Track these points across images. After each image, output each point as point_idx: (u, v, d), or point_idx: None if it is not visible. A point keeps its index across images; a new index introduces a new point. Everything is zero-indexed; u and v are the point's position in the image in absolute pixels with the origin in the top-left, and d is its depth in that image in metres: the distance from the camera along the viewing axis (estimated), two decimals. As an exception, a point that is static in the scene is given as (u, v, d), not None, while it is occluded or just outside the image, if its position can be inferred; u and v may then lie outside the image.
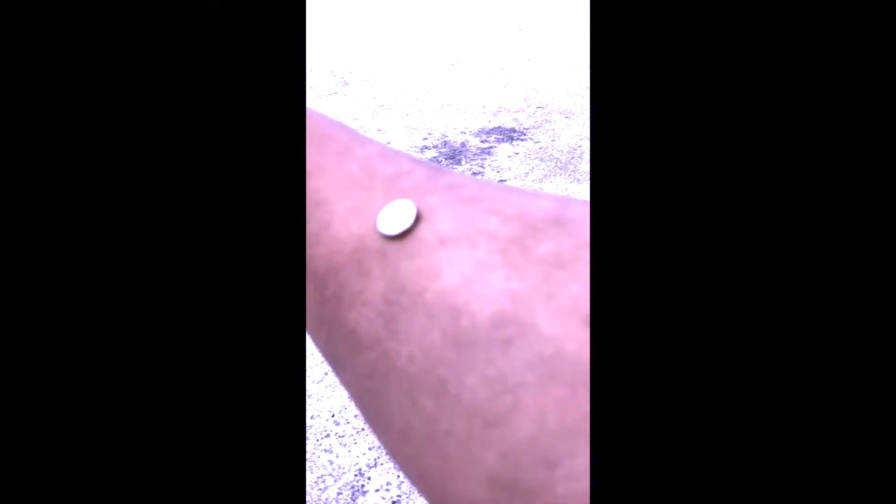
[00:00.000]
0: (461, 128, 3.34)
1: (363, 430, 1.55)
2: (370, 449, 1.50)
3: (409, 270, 0.15)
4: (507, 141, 3.06)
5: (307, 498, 1.36)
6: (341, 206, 0.17)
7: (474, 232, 0.15)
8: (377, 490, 1.41)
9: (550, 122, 3.29)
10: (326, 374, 1.73)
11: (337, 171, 0.18)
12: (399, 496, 1.40)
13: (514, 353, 0.13)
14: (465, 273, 0.14)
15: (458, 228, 0.15)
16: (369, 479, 1.44)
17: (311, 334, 0.19)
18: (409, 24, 7.85)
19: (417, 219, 0.15)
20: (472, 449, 0.13)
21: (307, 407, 1.59)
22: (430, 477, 0.14)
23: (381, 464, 1.46)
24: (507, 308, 0.13)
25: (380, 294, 0.15)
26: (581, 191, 2.41)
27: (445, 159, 2.89)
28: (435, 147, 3.07)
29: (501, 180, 2.64)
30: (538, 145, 2.94)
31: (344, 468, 1.45)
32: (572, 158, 2.74)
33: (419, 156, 2.90)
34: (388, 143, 3.15)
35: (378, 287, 0.15)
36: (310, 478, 1.41)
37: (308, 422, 1.58)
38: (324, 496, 1.38)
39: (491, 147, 3.00)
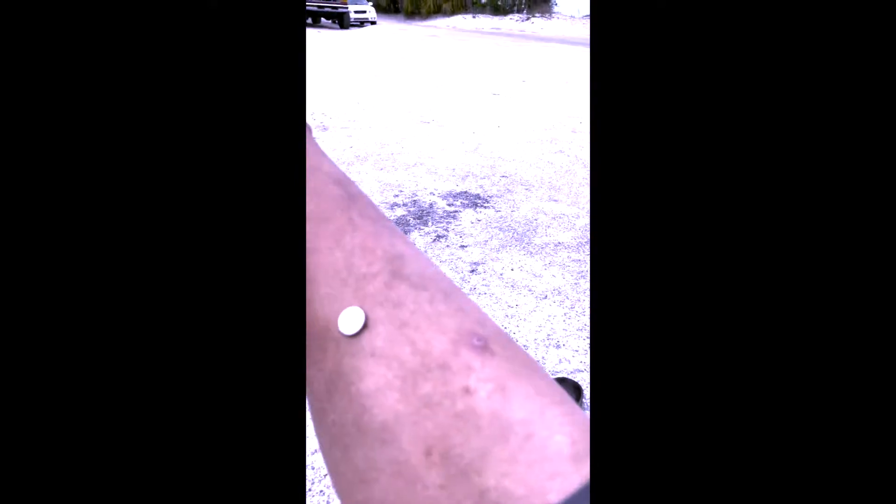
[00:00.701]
0: (431, 188, 3.60)
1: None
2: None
3: (348, 364, 0.20)
4: (471, 207, 3.32)
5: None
6: (323, 290, 0.22)
7: (392, 355, 0.20)
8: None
9: (512, 192, 3.59)
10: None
11: (327, 258, 0.22)
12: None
13: (382, 453, 0.19)
14: (377, 385, 0.19)
15: (385, 348, 0.20)
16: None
17: None
18: (391, 80, 8.08)
19: (364, 327, 0.21)
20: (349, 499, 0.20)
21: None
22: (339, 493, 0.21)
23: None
24: (390, 422, 0.19)
25: (329, 370, 0.21)
26: (533, 263, 2.66)
27: (414, 219, 3.12)
28: (405, 206, 3.31)
29: (463, 245, 2.85)
30: (499, 214, 3.21)
31: None
32: (528, 231, 3.01)
33: (389, 213, 3.13)
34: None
35: (329, 364, 0.21)
36: None
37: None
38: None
39: (456, 211, 3.25)
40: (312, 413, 0.22)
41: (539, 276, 2.52)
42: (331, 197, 0.24)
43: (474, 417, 0.19)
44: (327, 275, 0.22)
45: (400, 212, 3.20)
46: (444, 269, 2.52)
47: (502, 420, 0.18)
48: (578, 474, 0.17)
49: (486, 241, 2.86)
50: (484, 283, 2.44)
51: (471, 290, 2.38)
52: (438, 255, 2.66)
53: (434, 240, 2.85)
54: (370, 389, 0.20)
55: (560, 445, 0.18)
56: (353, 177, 3.73)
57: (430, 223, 3.05)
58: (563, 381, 1.40)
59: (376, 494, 0.19)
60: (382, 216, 0.25)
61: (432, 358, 0.20)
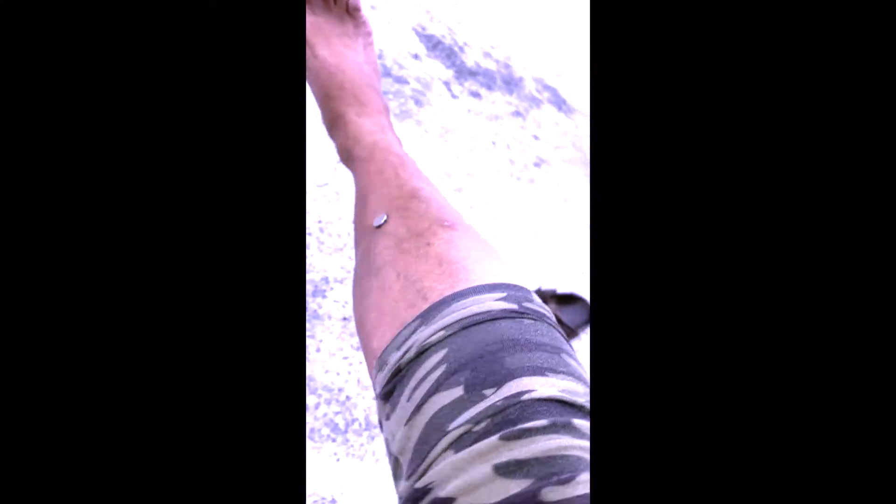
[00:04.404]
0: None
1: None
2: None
3: (372, 240, 0.37)
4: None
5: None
6: (371, 208, 0.39)
7: (392, 232, 0.36)
8: None
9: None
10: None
11: (377, 192, 0.40)
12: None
13: (374, 281, 0.34)
14: (381, 246, 0.35)
15: (390, 229, 0.36)
16: None
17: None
18: None
19: (385, 222, 0.37)
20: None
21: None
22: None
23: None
24: (381, 264, 0.35)
25: (363, 245, 0.38)
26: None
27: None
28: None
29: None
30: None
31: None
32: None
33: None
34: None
35: (364, 242, 0.38)
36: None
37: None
38: None
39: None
40: (355, 270, 0.39)
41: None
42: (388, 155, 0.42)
43: (426, 256, 0.34)
44: (376, 201, 0.39)
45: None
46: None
47: (442, 258, 0.34)
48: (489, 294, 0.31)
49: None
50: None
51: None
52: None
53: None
54: (378, 249, 0.36)
55: (475, 275, 0.32)
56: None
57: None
58: (572, 298, 1.21)
59: (370, 301, 0.35)
60: (412, 164, 0.42)
61: (414, 231, 0.36)
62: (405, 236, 0.35)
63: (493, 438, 0.24)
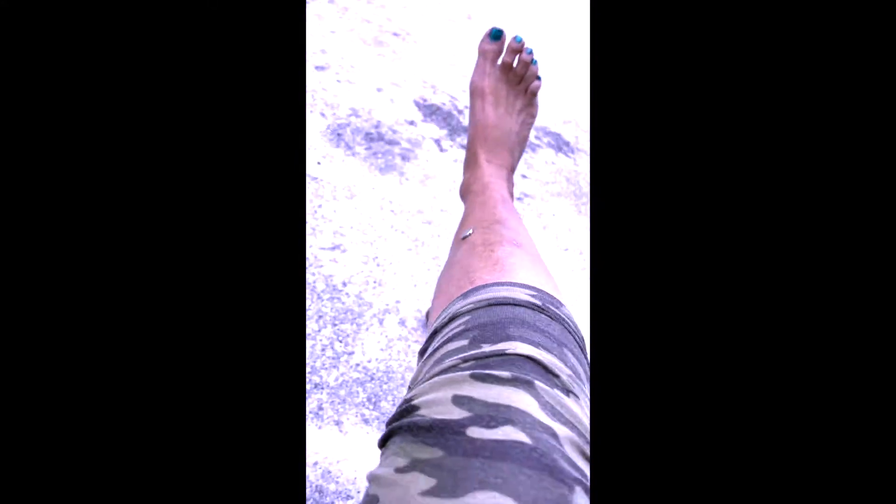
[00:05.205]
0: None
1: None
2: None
3: (458, 247, 0.48)
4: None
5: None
6: (466, 227, 0.50)
7: (471, 243, 0.46)
8: None
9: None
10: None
11: (473, 216, 0.52)
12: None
13: (452, 272, 0.46)
14: (461, 250, 0.47)
15: (472, 240, 0.47)
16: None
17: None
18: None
19: (469, 235, 0.48)
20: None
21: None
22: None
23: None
24: (459, 259, 0.46)
25: (454, 250, 0.50)
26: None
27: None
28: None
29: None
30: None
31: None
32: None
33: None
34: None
35: (455, 248, 0.50)
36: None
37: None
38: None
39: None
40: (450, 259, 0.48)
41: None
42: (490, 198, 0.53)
43: (487, 258, 0.41)
44: (471, 221, 0.50)
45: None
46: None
47: (498, 260, 0.40)
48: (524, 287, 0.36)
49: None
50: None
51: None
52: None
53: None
54: (457, 252, 0.46)
55: (517, 276, 0.38)
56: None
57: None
58: None
59: (440, 285, 0.45)
60: (510, 205, 0.55)
61: (487, 243, 0.44)
62: (479, 244, 0.45)
63: (465, 373, 0.28)
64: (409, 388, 0.32)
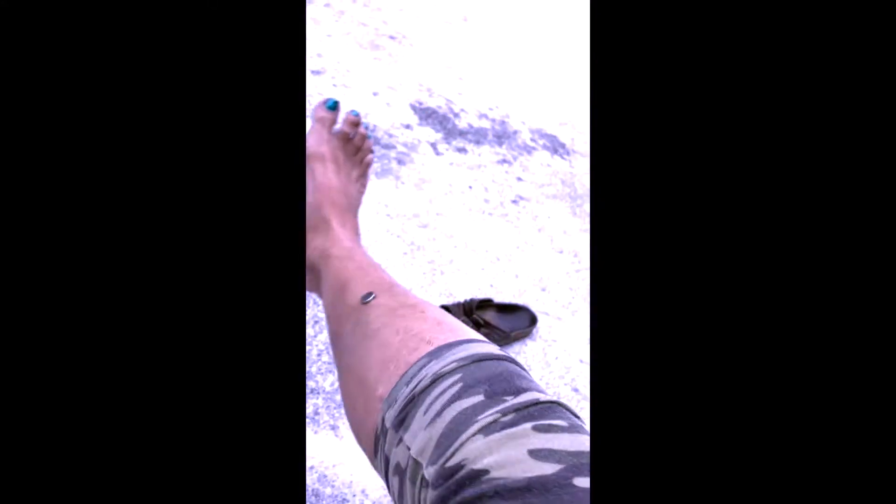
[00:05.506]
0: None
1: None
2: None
3: (363, 314, 0.42)
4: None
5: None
6: (358, 289, 0.45)
7: (387, 305, 0.41)
8: None
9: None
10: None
11: (362, 279, 0.47)
12: None
13: (370, 342, 0.40)
14: (381, 319, 0.40)
15: (382, 303, 0.42)
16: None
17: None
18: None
19: (372, 298, 0.43)
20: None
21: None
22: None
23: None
24: (384, 326, 0.40)
25: (344, 316, 0.44)
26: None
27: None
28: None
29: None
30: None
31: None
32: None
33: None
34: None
35: (351, 315, 0.43)
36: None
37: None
38: None
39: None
40: (342, 345, 0.43)
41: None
42: (366, 264, 0.51)
43: (424, 318, 0.39)
44: (359, 286, 0.46)
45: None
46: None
47: (439, 320, 0.39)
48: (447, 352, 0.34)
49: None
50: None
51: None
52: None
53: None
54: (370, 318, 0.41)
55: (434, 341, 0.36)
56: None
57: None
58: (518, 308, 1.40)
59: (370, 359, 0.38)
60: (379, 268, 0.51)
61: (406, 304, 0.41)
62: (397, 306, 0.41)
63: (526, 427, 0.26)
64: (416, 461, 0.29)
